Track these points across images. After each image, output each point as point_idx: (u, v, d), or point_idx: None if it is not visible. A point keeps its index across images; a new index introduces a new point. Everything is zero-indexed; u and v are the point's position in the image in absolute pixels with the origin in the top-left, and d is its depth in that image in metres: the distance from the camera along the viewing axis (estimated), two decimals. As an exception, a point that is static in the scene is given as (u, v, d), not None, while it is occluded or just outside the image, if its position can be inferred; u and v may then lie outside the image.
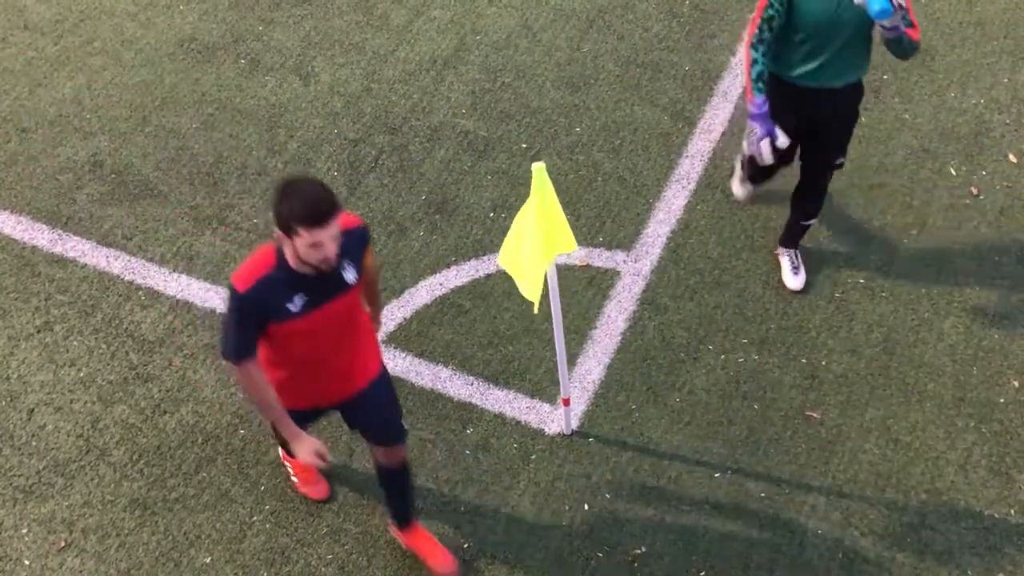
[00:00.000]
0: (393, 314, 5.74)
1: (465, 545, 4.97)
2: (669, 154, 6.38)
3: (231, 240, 6.07)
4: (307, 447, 4.12)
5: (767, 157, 5.04)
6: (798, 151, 5.41)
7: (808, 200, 5.58)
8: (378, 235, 6.06)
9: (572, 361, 5.52)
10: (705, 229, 6.04)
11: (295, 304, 3.93)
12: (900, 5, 4.54)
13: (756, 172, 5.64)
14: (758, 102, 4.95)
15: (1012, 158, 6.27)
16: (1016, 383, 5.41)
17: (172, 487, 5.19)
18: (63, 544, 5.04)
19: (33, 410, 5.46)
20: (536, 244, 4.40)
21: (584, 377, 5.50)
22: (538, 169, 4.34)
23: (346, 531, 5.04)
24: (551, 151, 6.40)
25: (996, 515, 5.01)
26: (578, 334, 5.63)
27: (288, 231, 3.75)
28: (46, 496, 5.19)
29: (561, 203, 4.51)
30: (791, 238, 5.76)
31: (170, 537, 5.05)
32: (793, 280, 5.72)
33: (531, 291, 4.47)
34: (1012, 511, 5.02)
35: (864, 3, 4.56)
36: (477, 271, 5.91)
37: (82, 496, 5.18)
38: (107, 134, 6.58)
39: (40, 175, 6.40)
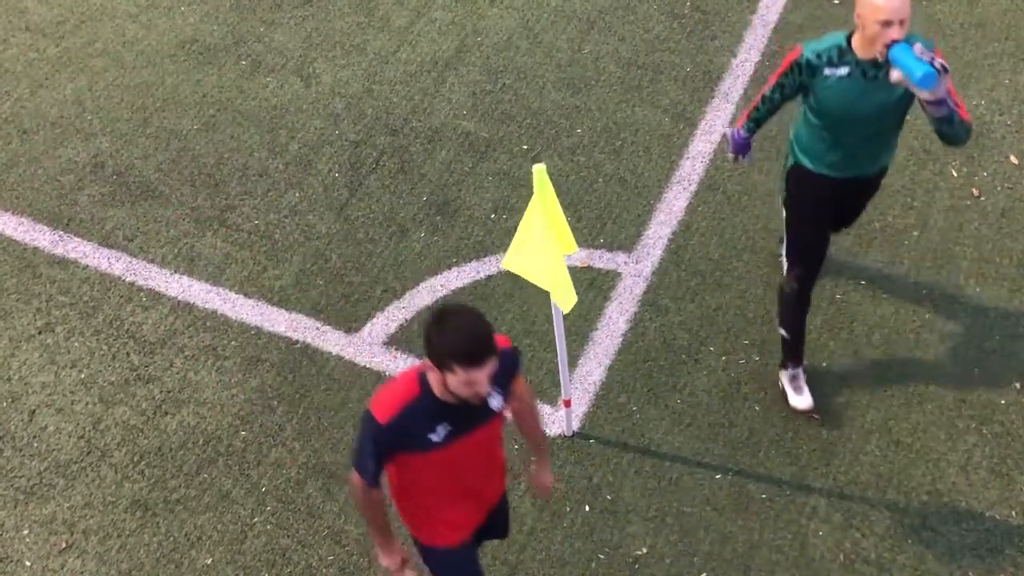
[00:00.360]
0: (394, 315, 5.74)
1: (466, 546, 4.98)
2: (670, 155, 6.38)
3: (232, 241, 6.08)
4: (393, 561, 3.99)
5: (731, 158, 5.22)
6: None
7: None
8: (379, 236, 6.06)
9: (573, 362, 5.52)
10: (706, 230, 6.04)
11: (438, 434, 3.68)
12: (944, 67, 4.23)
13: (802, 260, 5.16)
14: (743, 134, 5.07)
15: (1013, 159, 6.27)
16: (1017, 384, 5.41)
17: (173, 488, 5.19)
18: (64, 545, 5.04)
19: (34, 411, 5.47)
20: (551, 246, 4.41)
21: (585, 378, 5.50)
22: (538, 171, 4.34)
23: (347, 533, 5.04)
24: (552, 152, 6.40)
25: (997, 516, 5.01)
26: (579, 335, 5.63)
27: (441, 366, 3.49)
28: (47, 497, 5.19)
29: (562, 204, 4.52)
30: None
31: (171, 538, 5.05)
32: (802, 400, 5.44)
33: (562, 293, 4.47)
34: (1013, 512, 5.02)
35: (903, 77, 4.28)
36: (478, 272, 5.92)
37: (83, 497, 5.18)
38: (108, 135, 6.58)
39: (41, 176, 6.40)
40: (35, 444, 5.36)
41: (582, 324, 5.67)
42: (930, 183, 6.17)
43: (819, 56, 4.60)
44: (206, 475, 5.23)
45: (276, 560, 4.97)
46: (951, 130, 4.51)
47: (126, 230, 6.14)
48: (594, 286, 5.84)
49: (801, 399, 5.31)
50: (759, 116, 4.99)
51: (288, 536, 5.04)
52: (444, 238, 6.05)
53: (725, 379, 5.47)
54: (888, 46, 4.35)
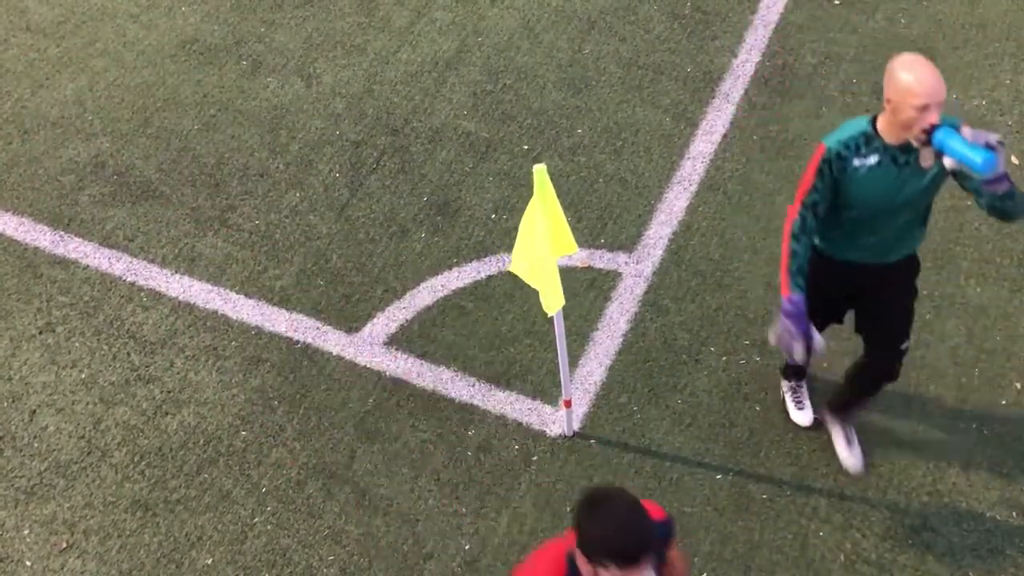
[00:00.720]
0: (395, 315, 5.74)
1: (467, 546, 4.97)
2: (671, 156, 6.38)
3: (233, 242, 6.08)
4: None
5: (799, 357, 4.36)
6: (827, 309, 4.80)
7: (869, 386, 4.93)
8: (380, 236, 6.06)
9: (574, 363, 5.52)
10: (707, 231, 6.04)
11: None
12: (1000, 142, 3.85)
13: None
14: (796, 300, 4.29)
15: (1014, 160, 6.27)
16: (1018, 385, 5.41)
17: (173, 488, 5.20)
18: (64, 545, 5.05)
19: (35, 411, 5.47)
20: (547, 248, 4.40)
21: (586, 379, 5.50)
22: (539, 171, 4.34)
23: (347, 533, 5.04)
24: (552, 153, 6.40)
25: (998, 517, 5.01)
26: (580, 336, 5.63)
27: (592, 560, 3.11)
28: (47, 497, 5.19)
29: (563, 205, 4.52)
30: (844, 409, 5.11)
31: (171, 538, 5.05)
32: (850, 458, 5.14)
33: (550, 294, 4.46)
34: (1014, 513, 5.02)
35: (958, 165, 3.93)
36: (479, 272, 5.92)
37: (83, 497, 5.18)
38: (109, 135, 6.58)
39: (42, 176, 6.41)
40: (35, 444, 5.36)
41: (583, 324, 5.67)
42: (931, 183, 6.17)
43: (847, 146, 4.14)
44: (206, 475, 5.23)
45: (276, 560, 4.97)
46: (1013, 205, 4.06)
47: (127, 230, 6.15)
48: (595, 286, 5.84)
49: (803, 415, 5.28)
50: (801, 261, 4.28)
51: (288, 536, 5.04)
52: (444, 238, 6.05)
53: (726, 379, 5.47)
54: (929, 132, 3.96)
